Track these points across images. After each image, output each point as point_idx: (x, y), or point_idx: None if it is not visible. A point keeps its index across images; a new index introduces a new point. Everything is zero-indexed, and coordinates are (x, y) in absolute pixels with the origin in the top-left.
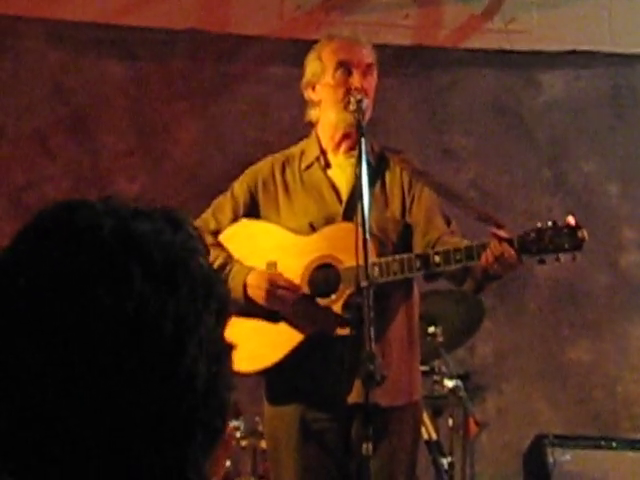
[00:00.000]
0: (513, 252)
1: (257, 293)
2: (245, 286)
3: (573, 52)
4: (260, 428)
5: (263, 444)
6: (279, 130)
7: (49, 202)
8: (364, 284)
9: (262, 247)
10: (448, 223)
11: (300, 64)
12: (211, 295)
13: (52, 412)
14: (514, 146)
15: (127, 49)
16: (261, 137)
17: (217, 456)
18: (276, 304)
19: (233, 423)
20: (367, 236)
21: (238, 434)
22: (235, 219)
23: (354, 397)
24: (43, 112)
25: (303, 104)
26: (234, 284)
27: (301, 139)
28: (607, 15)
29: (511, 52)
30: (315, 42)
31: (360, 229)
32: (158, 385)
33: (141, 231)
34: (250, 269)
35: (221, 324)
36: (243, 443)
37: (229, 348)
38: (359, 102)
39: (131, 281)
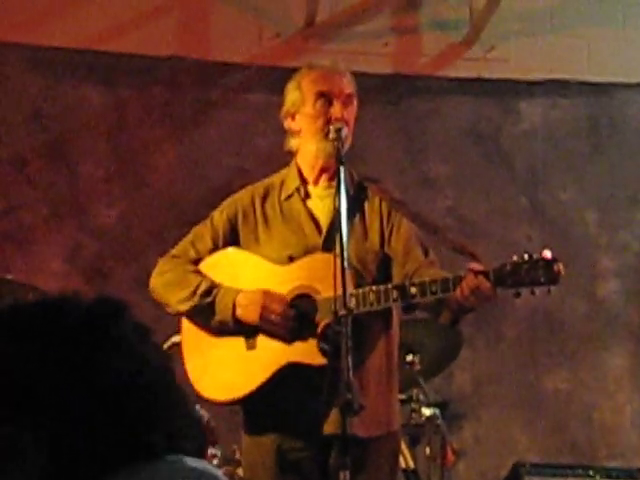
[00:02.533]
0: (489, 285)
1: (250, 310)
2: (234, 307)
3: (551, 81)
4: (237, 456)
5: (240, 472)
6: (258, 157)
7: (27, 227)
8: (342, 312)
9: (242, 276)
10: (426, 253)
11: (279, 91)
12: None
13: None
14: (492, 174)
15: (106, 75)
16: (240, 164)
17: None
18: (269, 322)
19: (211, 451)
20: (345, 265)
21: (215, 462)
22: (215, 249)
23: (331, 427)
24: (22, 138)
25: (282, 132)
26: (222, 305)
27: (280, 167)
28: (585, 44)
29: (490, 80)
30: (294, 70)
31: (338, 259)
32: None
33: None
34: (239, 291)
35: None
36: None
37: None
38: (338, 130)
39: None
